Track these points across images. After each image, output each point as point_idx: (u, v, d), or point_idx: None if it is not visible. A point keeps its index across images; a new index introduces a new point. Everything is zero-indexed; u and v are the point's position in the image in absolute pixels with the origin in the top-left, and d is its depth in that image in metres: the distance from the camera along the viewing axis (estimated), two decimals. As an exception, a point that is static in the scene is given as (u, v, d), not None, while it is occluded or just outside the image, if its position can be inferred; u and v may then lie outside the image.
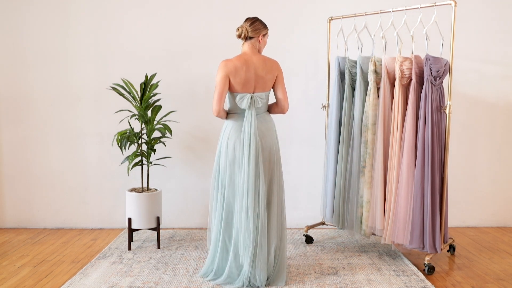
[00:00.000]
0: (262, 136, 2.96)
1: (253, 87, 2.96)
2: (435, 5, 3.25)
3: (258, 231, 2.89)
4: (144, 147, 3.87)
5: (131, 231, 3.70)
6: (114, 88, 3.70)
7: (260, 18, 3.07)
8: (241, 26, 2.99)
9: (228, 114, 3.06)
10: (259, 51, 3.06)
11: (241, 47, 3.05)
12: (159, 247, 3.74)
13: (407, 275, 3.17)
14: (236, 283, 2.94)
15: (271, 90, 3.09)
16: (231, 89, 2.96)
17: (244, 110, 2.97)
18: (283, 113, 3.10)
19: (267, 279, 2.98)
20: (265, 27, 3.03)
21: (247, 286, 2.92)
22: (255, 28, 2.98)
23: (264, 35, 3.03)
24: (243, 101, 2.93)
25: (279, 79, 3.04)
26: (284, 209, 3.10)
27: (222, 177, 3.01)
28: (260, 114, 3.02)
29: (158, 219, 3.71)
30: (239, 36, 3.01)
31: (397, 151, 3.33)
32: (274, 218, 2.98)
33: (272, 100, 3.19)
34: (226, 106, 3.11)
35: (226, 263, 3.00)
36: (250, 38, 2.99)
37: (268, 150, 2.99)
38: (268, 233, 2.94)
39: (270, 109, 3.13)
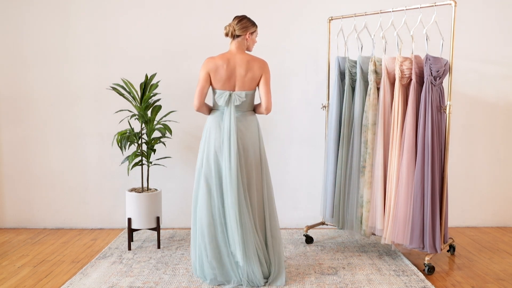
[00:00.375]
0: (240, 134, 2.99)
1: (233, 85, 3.00)
2: (435, 5, 3.25)
3: (245, 229, 2.90)
4: (144, 147, 3.87)
5: (131, 231, 3.70)
6: (114, 88, 3.70)
7: (248, 16, 3.07)
8: (229, 25, 3.02)
9: (211, 110, 3.11)
10: (248, 49, 3.08)
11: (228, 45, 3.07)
12: (159, 247, 3.74)
13: (407, 275, 3.17)
14: (233, 282, 2.95)
15: (257, 89, 3.09)
16: (212, 86, 3.02)
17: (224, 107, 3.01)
18: (265, 113, 3.08)
19: (267, 280, 2.99)
20: (253, 25, 3.04)
21: (246, 285, 2.93)
22: (242, 26, 2.99)
23: (252, 33, 3.04)
24: (221, 98, 2.98)
25: (263, 79, 3.03)
26: (274, 208, 3.11)
27: (201, 172, 3.03)
28: (241, 112, 3.03)
29: (158, 219, 3.71)
30: (227, 35, 3.03)
31: (397, 151, 3.33)
32: (252, 216, 2.97)
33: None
34: (211, 102, 3.15)
35: (218, 260, 2.99)
36: (238, 36, 3.01)
37: (246, 149, 3.00)
38: (251, 230, 2.94)
39: (255, 108, 3.14)
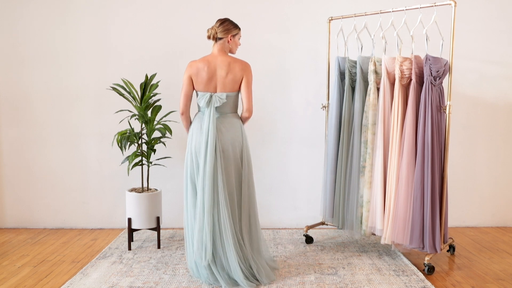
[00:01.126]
0: (220, 135, 3.00)
1: (214, 87, 3.02)
2: (435, 5, 3.25)
3: (222, 231, 2.92)
4: (144, 147, 3.87)
5: (131, 231, 3.70)
6: (114, 88, 3.70)
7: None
8: (211, 27, 3.05)
9: (196, 114, 3.14)
10: (231, 52, 3.11)
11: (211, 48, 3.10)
12: (159, 247, 3.74)
13: (407, 275, 3.17)
14: (224, 284, 2.95)
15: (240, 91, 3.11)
16: (195, 88, 3.06)
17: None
18: (247, 115, 3.09)
19: (258, 281, 2.99)
20: (235, 27, 3.06)
21: (234, 285, 2.95)
22: (224, 28, 3.01)
23: (234, 36, 3.06)
24: (202, 99, 3.02)
25: (245, 81, 3.04)
26: (255, 209, 3.12)
27: (187, 173, 3.05)
28: (223, 114, 3.05)
29: (158, 219, 3.71)
30: (209, 37, 3.05)
31: (397, 151, 3.33)
32: (232, 218, 2.98)
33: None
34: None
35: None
36: (220, 38, 3.03)
37: (226, 150, 3.01)
38: (231, 232, 2.94)
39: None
